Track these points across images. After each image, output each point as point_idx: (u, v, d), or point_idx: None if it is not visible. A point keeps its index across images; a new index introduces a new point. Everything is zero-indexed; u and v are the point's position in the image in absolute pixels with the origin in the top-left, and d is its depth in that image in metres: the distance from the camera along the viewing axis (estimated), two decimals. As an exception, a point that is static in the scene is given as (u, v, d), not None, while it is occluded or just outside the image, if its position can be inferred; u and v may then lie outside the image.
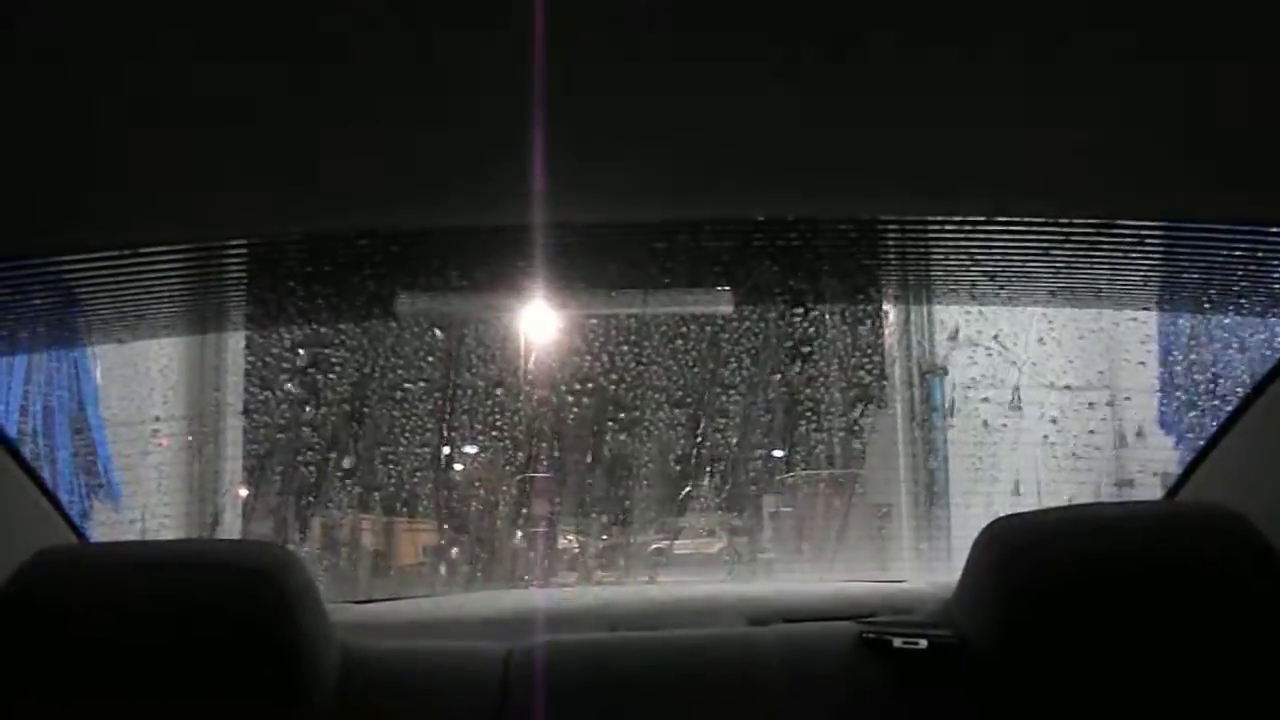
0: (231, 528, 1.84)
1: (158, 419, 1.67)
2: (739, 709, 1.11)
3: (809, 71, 0.82)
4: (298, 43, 0.79)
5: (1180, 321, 2.21)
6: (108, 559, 1.07)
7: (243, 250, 1.16)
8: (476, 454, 2.17)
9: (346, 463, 2.08)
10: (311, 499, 2.04)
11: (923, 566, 2.66)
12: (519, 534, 2.04)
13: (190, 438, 1.81)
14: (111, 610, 1.02)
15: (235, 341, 1.78)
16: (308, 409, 2.00)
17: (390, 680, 1.10)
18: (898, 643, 1.14)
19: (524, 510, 2.13)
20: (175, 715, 1.03)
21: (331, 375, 1.97)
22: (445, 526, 2.17)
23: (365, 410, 2.00)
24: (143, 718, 1.03)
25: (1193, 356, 2.21)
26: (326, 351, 1.97)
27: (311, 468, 2.00)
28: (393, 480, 2.14)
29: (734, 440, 2.35)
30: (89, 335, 1.33)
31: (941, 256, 1.32)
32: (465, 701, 1.08)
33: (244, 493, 1.90)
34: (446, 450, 2.13)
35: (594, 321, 2.09)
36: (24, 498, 1.22)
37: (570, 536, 2.18)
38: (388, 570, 2.14)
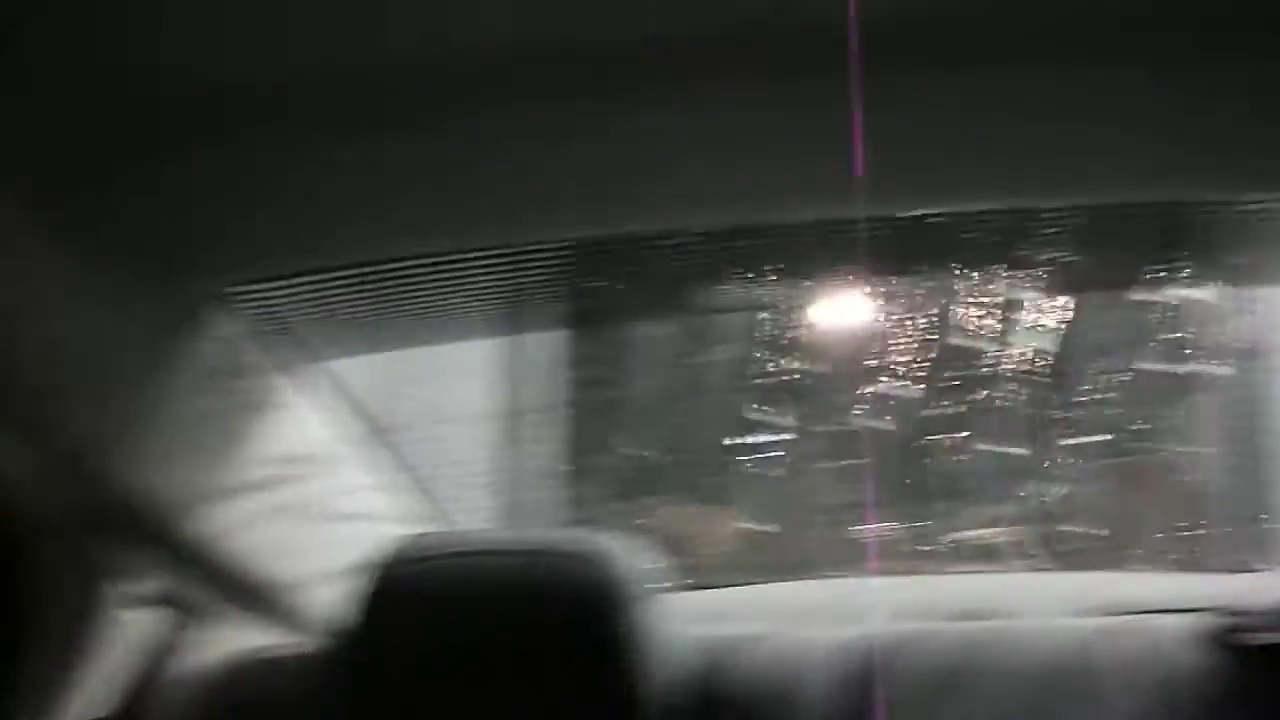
0: (546, 518, 1.92)
1: (476, 416, 1.76)
2: (1079, 702, 1.07)
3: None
4: (615, 40, 0.82)
5: None
6: (462, 544, 1.13)
7: (558, 252, 1.20)
8: (785, 441, 2.17)
9: (657, 450, 2.13)
10: (623, 487, 2.11)
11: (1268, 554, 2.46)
12: (828, 522, 2.03)
13: (506, 431, 1.89)
14: (462, 596, 1.09)
15: (549, 337, 1.86)
16: (619, 399, 2.06)
17: (728, 667, 1.11)
18: (1257, 639, 1.06)
19: (832, 498, 2.12)
20: (519, 700, 1.08)
21: (642, 364, 2.03)
22: (754, 514, 2.18)
23: (676, 398, 2.04)
24: (490, 701, 1.09)
25: None
26: (636, 342, 2.03)
27: (622, 456, 2.06)
28: (702, 468, 2.18)
29: (1049, 424, 2.26)
30: (410, 339, 1.40)
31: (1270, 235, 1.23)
32: (808, 690, 1.08)
33: (557, 482, 1.97)
34: (755, 438, 2.15)
35: (903, 309, 2.06)
36: (384, 485, 1.31)
37: (878, 525, 2.14)
38: (696, 558, 2.17)
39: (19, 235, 0.92)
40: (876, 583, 1.55)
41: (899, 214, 1.11)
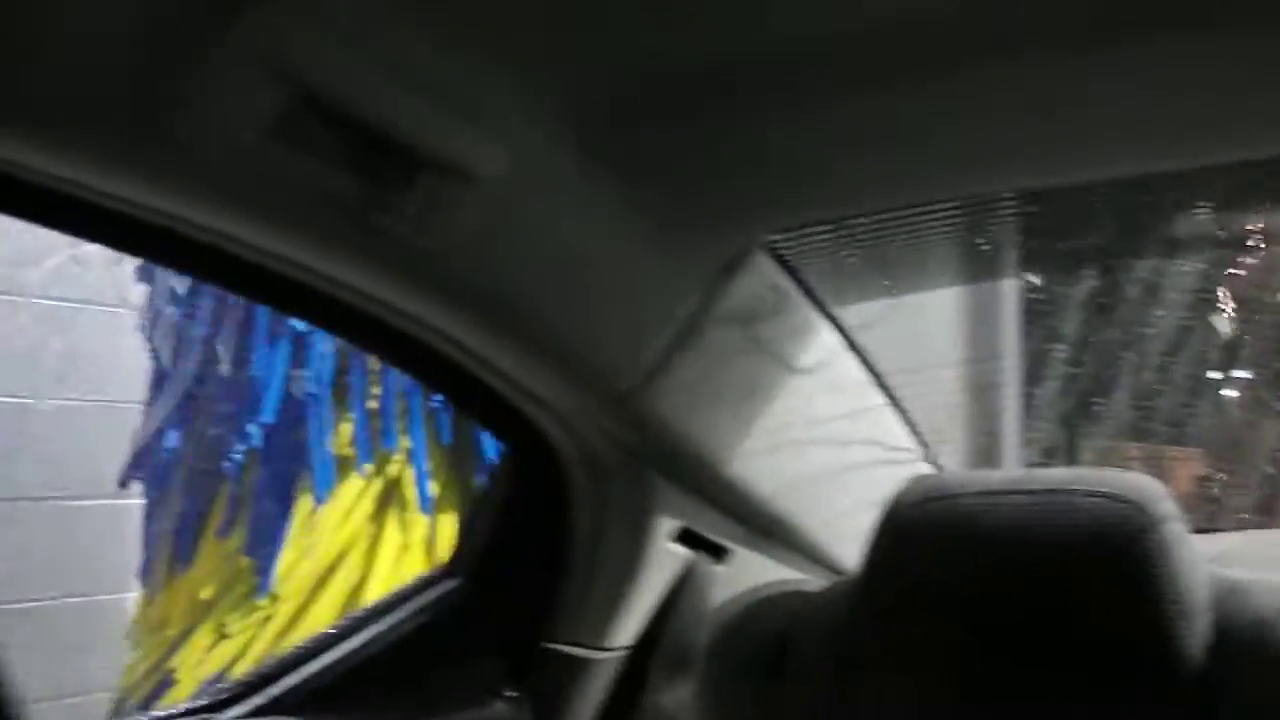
0: (1010, 458, 1.91)
1: (942, 363, 1.77)
2: None
3: None
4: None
5: None
6: (981, 485, 1.15)
7: (1012, 202, 1.19)
8: (1248, 381, 2.06)
9: (1115, 392, 2.07)
10: (1082, 428, 2.07)
11: None
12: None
13: (971, 377, 1.90)
14: (988, 533, 1.10)
15: (1008, 285, 1.84)
16: (1077, 341, 2.02)
17: (1263, 609, 1.07)
18: None
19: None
20: (1046, 638, 1.08)
21: (1099, 305, 1.98)
22: (1215, 457, 2.08)
23: (1133, 339, 1.98)
24: (1016, 637, 1.10)
25: None
26: (1094, 284, 1.98)
27: (1082, 399, 2.02)
28: (1160, 409, 2.10)
29: None
30: (877, 290, 1.42)
31: None
32: None
33: (1019, 424, 1.95)
34: (1217, 376, 2.05)
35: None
36: (893, 427, 1.34)
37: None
38: (1182, 500, 2.10)
39: (573, 190, 1.01)
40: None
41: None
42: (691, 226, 1.08)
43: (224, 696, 1.21)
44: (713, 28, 0.87)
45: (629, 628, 1.23)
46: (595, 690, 1.23)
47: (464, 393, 1.18)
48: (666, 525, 1.21)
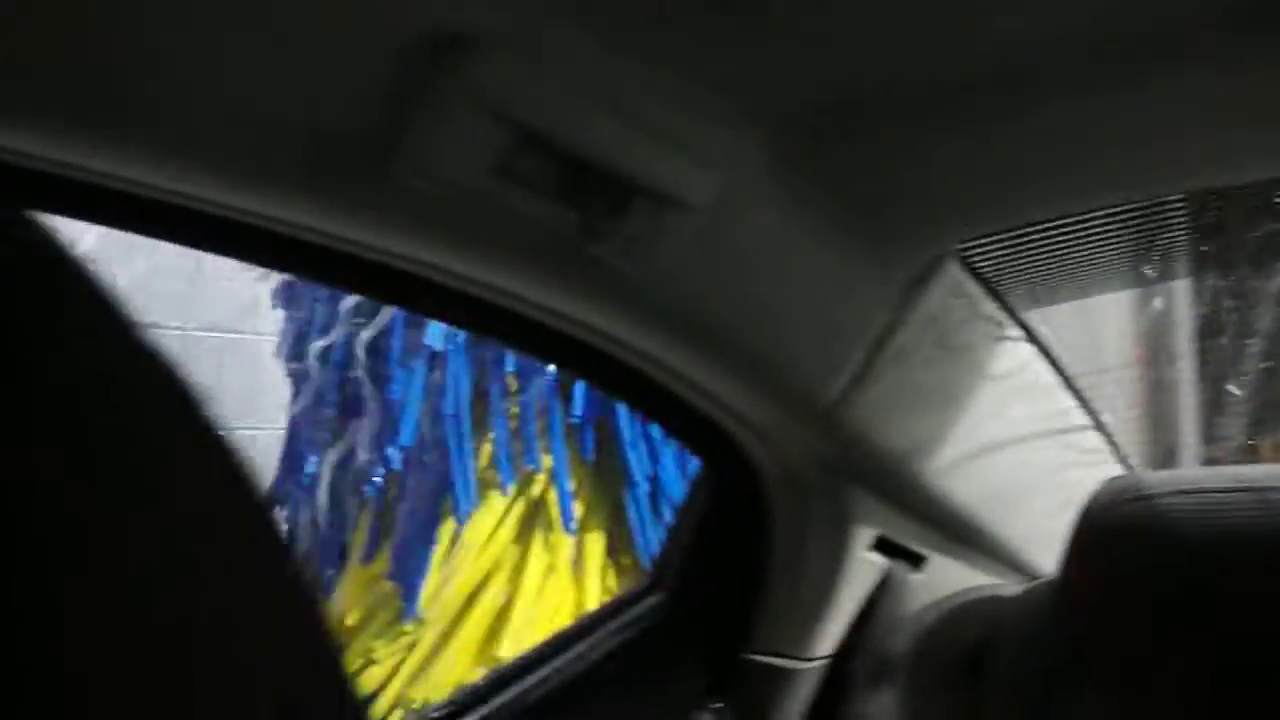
0: (1189, 457, 1.88)
1: (1120, 364, 1.76)
2: None
3: None
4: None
5: None
6: (1178, 483, 1.13)
7: (1197, 201, 1.17)
8: None
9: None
10: (1265, 424, 2.03)
11: None
12: None
13: (1149, 377, 1.87)
14: (1197, 529, 1.08)
15: (1186, 283, 1.82)
16: (1259, 336, 1.98)
17: None
18: None
19: None
20: (1262, 631, 1.06)
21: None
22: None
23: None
24: (1224, 631, 1.07)
25: None
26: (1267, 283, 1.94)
27: (1262, 395, 1.99)
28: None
29: None
30: (1064, 293, 1.41)
31: None
32: None
33: (1199, 423, 1.93)
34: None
35: None
36: (1084, 429, 1.34)
37: None
38: None
39: (775, 210, 1.02)
40: None
41: None
42: (884, 239, 1.09)
43: (433, 717, 1.25)
44: (905, 44, 0.89)
45: (829, 637, 1.24)
46: (797, 700, 1.24)
47: (664, 411, 1.21)
48: (864, 534, 1.22)
